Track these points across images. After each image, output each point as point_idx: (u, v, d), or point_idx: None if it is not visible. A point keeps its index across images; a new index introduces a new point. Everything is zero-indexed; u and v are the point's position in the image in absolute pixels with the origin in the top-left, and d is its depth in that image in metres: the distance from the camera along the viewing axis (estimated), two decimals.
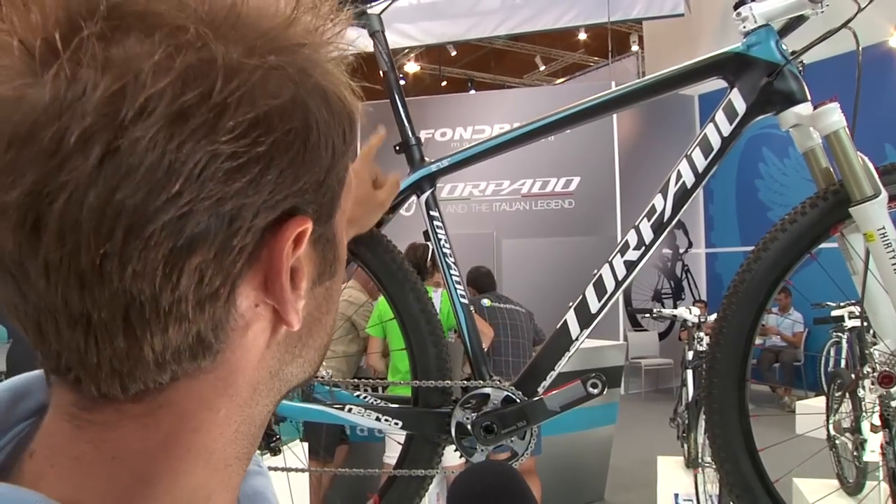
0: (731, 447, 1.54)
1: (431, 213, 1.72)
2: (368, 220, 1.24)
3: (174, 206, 0.37)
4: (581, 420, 5.40)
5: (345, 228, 0.50)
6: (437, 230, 1.72)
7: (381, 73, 1.72)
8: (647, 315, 5.62)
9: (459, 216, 10.95)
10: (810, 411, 5.97)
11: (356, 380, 1.66)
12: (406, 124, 1.74)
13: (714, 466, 1.60)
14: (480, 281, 4.91)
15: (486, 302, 4.63)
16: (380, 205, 1.32)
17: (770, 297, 1.52)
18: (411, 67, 14.34)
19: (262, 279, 0.42)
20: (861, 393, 2.97)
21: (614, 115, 10.03)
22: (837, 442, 3.88)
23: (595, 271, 1.60)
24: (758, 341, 7.23)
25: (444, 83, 15.04)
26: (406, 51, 13.02)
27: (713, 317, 4.18)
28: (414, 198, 1.75)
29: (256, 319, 0.43)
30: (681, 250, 10.89)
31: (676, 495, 4.34)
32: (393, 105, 1.75)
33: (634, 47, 12.10)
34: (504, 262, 9.69)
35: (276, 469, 1.81)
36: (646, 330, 10.38)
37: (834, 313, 5.64)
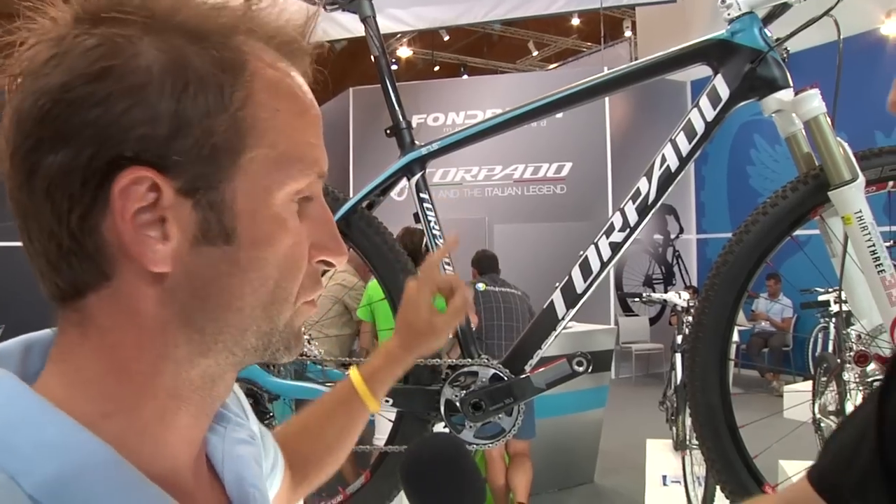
0: (713, 424, 1.58)
1: (421, 195, 1.75)
2: (424, 349, 1.12)
3: (31, 140, 0.50)
4: (571, 403, 5.46)
5: (280, 209, 0.56)
6: (427, 212, 1.75)
7: (372, 57, 1.75)
8: (637, 299, 5.69)
9: (451, 201, 10.97)
10: (798, 395, 6.05)
11: (346, 359, 1.69)
12: (397, 108, 1.77)
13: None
14: (482, 263, 4.98)
15: (480, 286, 4.67)
16: (436, 333, 1.15)
17: (751, 279, 1.56)
18: (404, 52, 14.31)
19: (115, 218, 0.50)
20: (846, 376, 3.03)
21: (606, 101, 10.06)
22: (822, 425, 3.94)
23: (581, 252, 1.63)
24: (747, 326, 7.31)
25: (436, 68, 15.01)
26: (398, 35, 12.98)
27: None
28: (404, 180, 1.77)
29: (129, 254, 0.51)
30: (672, 236, 10.94)
31: (664, 477, 4.40)
32: (384, 89, 1.78)
33: (627, 33, 12.08)
34: (496, 247, 9.69)
35: None
36: (636, 315, 10.43)
37: (821, 298, 5.71)
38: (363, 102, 10.07)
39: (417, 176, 1.76)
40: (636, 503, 3.79)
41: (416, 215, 1.76)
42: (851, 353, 1.62)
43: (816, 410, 4.05)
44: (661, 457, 4.69)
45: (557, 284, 1.65)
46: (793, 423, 3.15)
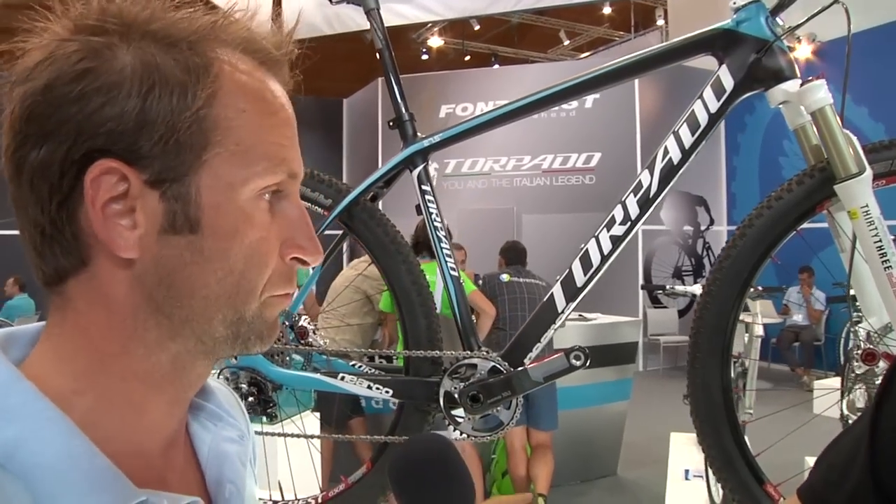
0: (713, 421, 1.56)
1: (423, 187, 1.75)
2: None
3: (19, 137, 0.55)
4: (594, 395, 5.43)
5: (246, 204, 0.59)
6: (429, 204, 1.75)
7: (376, 51, 1.74)
8: (660, 291, 5.63)
9: (480, 191, 10.96)
10: (829, 391, 5.94)
11: (346, 350, 1.70)
12: (400, 101, 1.77)
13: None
14: (508, 253, 4.99)
15: (504, 277, 4.67)
16: None
17: (755, 274, 1.53)
18: (435, 42, 14.28)
19: (87, 206, 0.54)
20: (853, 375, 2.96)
21: (636, 91, 9.95)
22: (850, 421, 3.88)
23: (582, 245, 1.62)
24: (777, 321, 7.17)
25: (467, 58, 14.95)
26: (429, 25, 12.96)
27: None
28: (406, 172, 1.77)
29: (101, 241, 0.55)
30: (702, 227, 10.80)
31: (687, 471, 4.35)
32: (387, 82, 1.77)
33: (660, 21, 11.93)
34: (524, 237, 9.67)
35: (267, 434, 1.87)
36: (665, 307, 10.33)
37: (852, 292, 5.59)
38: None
39: (419, 168, 1.76)
40: (659, 496, 3.75)
41: (417, 207, 1.76)
42: (859, 352, 1.59)
43: (845, 407, 3.98)
44: (684, 450, 4.63)
45: (558, 277, 1.64)
46: (824, 421, 3.09)
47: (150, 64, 0.55)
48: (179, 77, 0.56)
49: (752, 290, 4.21)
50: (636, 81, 9.97)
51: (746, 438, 3.91)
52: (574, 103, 10.39)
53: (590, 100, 10.32)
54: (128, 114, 0.54)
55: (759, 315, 4.54)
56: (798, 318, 9.11)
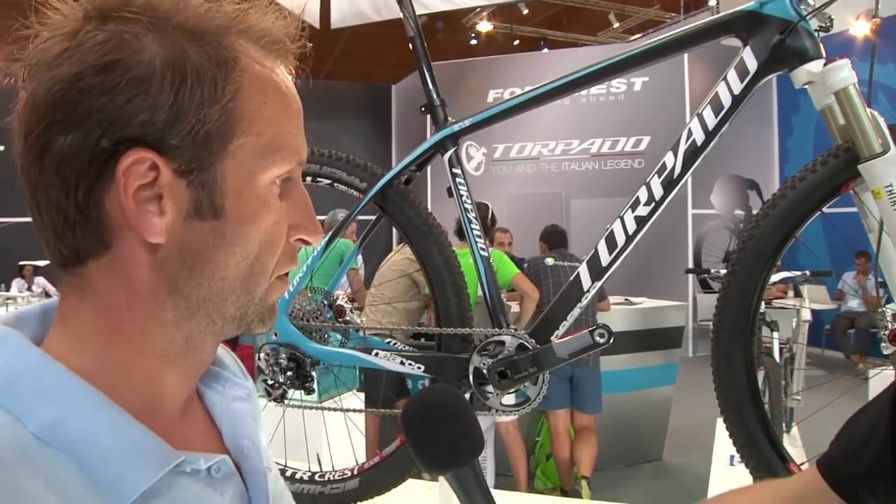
0: (736, 399, 1.58)
1: (454, 170, 1.80)
2: None
3: (45, 122, 0.56)
4: (639, 380, 5.43)
5: (263, 191, 0.63)
6: (460, 187, 1.79)
7: (408, 39, 1.79)
8: (706, 275, 5.56)
9: (528, 175, 10.94)
10: (887, 379, 5.80)
11: (382, 328, 1.76)
12: (431, 87, 1.82)
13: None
14: (551, 237, 5.02)
15: (549, 261, 4.70)
16: None
17: (778, 255, 1.54)
18: (484, 27, 14.25)
19: (119, 193, 0.57)
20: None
21: (685, 73, 9.79)
22: None
23: (608, 226, 1.65)
24: (830, 307, 6.98)
25: (516, 42, 14.88)
26: (478, 10, 12.93)
27: (779, 276, 4.12)
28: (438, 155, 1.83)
29: (128, 226, 0.58)
30: (754, 211, 10.60)
31: (732, 457, 4.32)
32: (419, 68, 1.82)
33: (712, 1, 11.70)
34: (572, 222, 9.67)
35: (297, 406, 1.95)
36: (715, 292, 10.16)
37: None
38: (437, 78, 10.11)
39: (450, 151, 1.81)
40: (704, 482, 3.74)
41: (448, 190, 1.81)
42: (886, 333, 1.59)
43: None
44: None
45: (584, 257, 1.68)
46: None
47: (180, 56, 0.57)
48: (210, 70, 0.58)
49: (800, 274, 4.13)
50: (685, 63, 9.82)
51: (794, 425, 3.87)
52: (622, 87, 10.28)
53: (638, 82, 10.20)
54: (160, 106, 0.56)
55: (806, 299, 4.48)
56: (854, 304, 8.89)
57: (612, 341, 1.58)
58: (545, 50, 13.91)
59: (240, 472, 0.69)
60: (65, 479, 0.53)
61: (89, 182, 0.57)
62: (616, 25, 14.12)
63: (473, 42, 14.70)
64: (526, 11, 12.92)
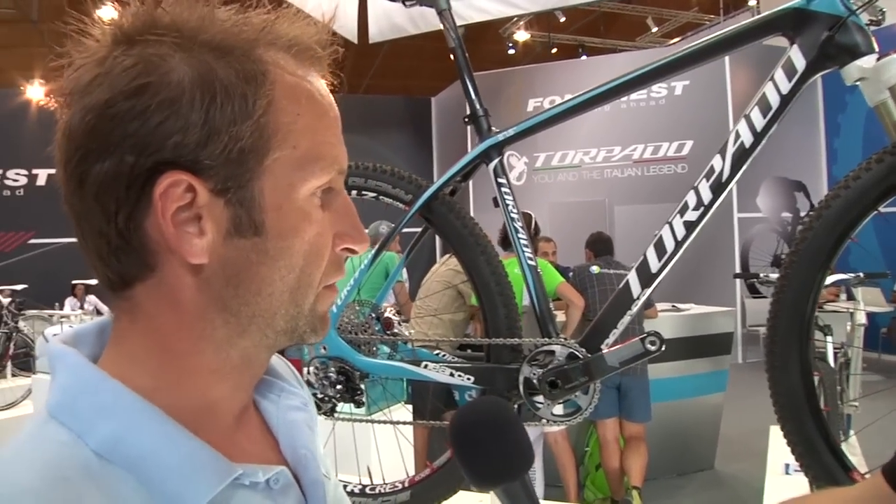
0: (793, 406, 1.54)
1: (499, 180, 1.79)
2: None
3: (81, 151, 0.57)
4: (689, 387, 5.35)
5: (304, 203, 0.62)
6: (506, 196, 1.79)
7: (449, 51, 1.80)
8: (755, 280, 5.47)
9: (571, 184, 10.90)
10: None
11: (430, 339, 1.76)
12: (474, 97, 1.82)
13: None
14: (596, 245, 5.01)
15: (594, 269, 4.67)
16: None
17: (834, 256, 1.50)
18: (521, 36, 14.26)
19: (157, 216, 0.57)
20: None
21: (727, 76, 9.66)
22: None
23: (656, 232, 1.63)
24: (888, 309, 6.77)
25: (554, 50, 14.86)
26: (515, 19, 12.94)
27: (831, 278, 4.02)
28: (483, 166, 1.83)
29: (170, 248, 0.58)
30: (802, 214, 10.39)
31: (787, 465, 4.22)
32: (461, 79, 1.83)
33: (752, 1, 11.52)
34: (616, 229, 9.58)
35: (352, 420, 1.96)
36: (765, 297, 9.97)
37: None
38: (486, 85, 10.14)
39: (495, 161, 1.80)
40: (758, 492, 3.66)
41: (494, 199, 1.81)
42: None
43: None
44: (784, 444, 4.49)
45: (633, 265, 1.66)
46: None
47: (208, 75, 0.57)
48: (239, 86, 0.58)
49: (853, 276, 4.03)
50: (727, 65, 9.69)
51: (852, 432, 3.76)
52: (663, 91, 10.19)
53: (679, 86, 10.10)
54: (192, 126, 0.56)
55: (861, 302, 4.37)
56: None
57: (663, 349, 1.56)
58: (584, 57, 13.86)
59: (298, 481, 0.69)
60: (126, 496, 0.54)
61: (128, 208, 0.57)
62: (654, 30, 14.02)
63: (511, 51, 14.72)
64: (563, 19, 12.90)
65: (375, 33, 7.95)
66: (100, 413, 0.56)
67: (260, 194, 0.59)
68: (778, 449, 4.41)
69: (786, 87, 1.51)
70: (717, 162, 1.57)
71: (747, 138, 1.54)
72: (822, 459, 1.52)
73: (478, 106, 1.82)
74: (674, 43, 14.27)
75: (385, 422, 2.03)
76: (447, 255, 4.84)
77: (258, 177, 0.59)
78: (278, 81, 0.60)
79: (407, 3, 1.84)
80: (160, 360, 0.61)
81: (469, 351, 2.34)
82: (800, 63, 1.49)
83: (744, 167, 1.56)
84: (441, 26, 1.82)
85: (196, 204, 0.57)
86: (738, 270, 9.74)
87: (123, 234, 0.58)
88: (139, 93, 0.55)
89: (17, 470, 0.52)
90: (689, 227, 1.60)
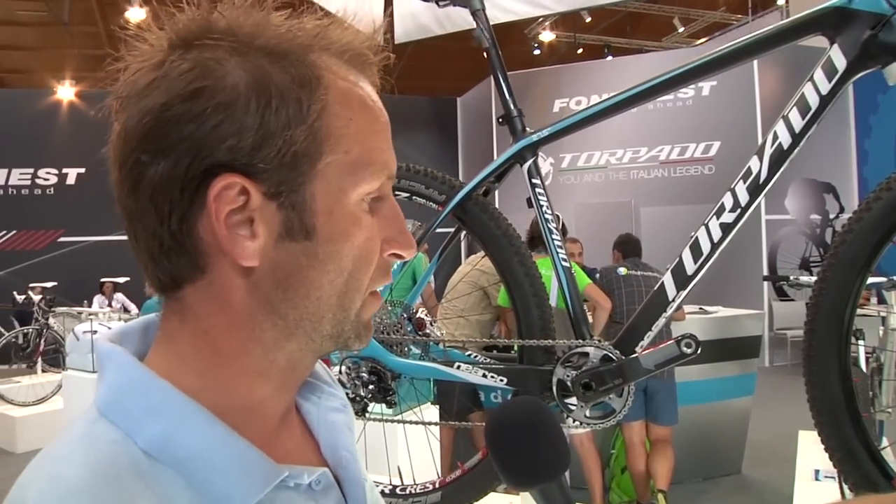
0: (832, 411, 1.52)
1: (533, 180, 1.79)
2: None
3: (137, 153, 0.58)
4: (716, 391, 5.30)
5: (354, 207, 0.62)
6: (539, 197, 1.79)
7: (483, 50, 1.80)
8: (784, 282, 5.41)
9: (597, 185, 10.85)
10: None
11: (462, 339, 1.76)
12: (508, 97, 1.82)
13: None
14: (624, 246, 4.98)
15: (622, 270, 4.65)
16: None
17: (874, 259, 1.48)
18: (546, 36, 14.22)
19: (210, 218, 0.57)
20: None
21: (755, 76, 9.56)
22: None
23: (692, 234, 1.62)
24: None
25: (579, 51, 14.81)
26: (540, 20, 12.92)
27: None
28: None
29: (222, 251, 0.59)
30: (831, 216, 10.25)
31: (817, 471, 4.17)
32: (495, 80, 1.83)
33: (780, 1, 11.39)
34: (643, 231, 9.53)
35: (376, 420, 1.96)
36: (792, 300, 9.88)
37: None
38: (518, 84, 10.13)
39: (529, 162, 1.80)
40: (787, 497, 3.62)
41: (528, 200, 1.80)
42: None
43: None
44: (814, 449, 4.42)
45: (668, 266, 1.65)
46: None
47: (263, 79, 0.57)
48: (294, 91, 0.58)
49: (886, 279, 3.97)
50: (755, 65, 9.59)
51: (886, 440, 3.71)
52: (690, 92, 10.11)
53: (706, 87, 10.02)
54: (247, 130, 0.56)
55: (894, 305, 4.30)
56: None
57: (699, 351, 1.54)
58: (609, 58, 13.79)
59: (338, 482, 0.69)
60: (174, 496, 0.55)
61: (182, 209, 0.57)
62: (681, 30, 13.92)
63: (537, 52, 14.69)
64: (588, 19, 12.85)
65: (401, 34, 7.98)
66: (149, 412, 0.57)
67: (311, 198, 0.60)
68: (807, 454, 4.35)
69: (826, 87, 1.49)
70: (754, 163, 1.55)
71: (785, 139, 1.52)
72: (862, 466, 1.49)
73: (512, 106, 1.82)
74: (700, 43, 14.14)
75: (417, 422, 2.03)
76: (473, 256, 4.84)
77: (310, 181, 0.59)
78: (332, 86, 0.61)
79: (440, 3, 1.84)
80: (209, 361, 0.61)
81: (495, 352, 2.34)
82: (840, 63, 1.47)
83: (782, 168, 1.54)
84: (469, 26, 1.82)
85: (249, 207, 0.58)
86: (765, 273, 9.63)
87: (176, 235, 0.58)
88: (195, 96, 0.56)
89: (69, 468, 0.52)
90: (726, 228, 1.58)
